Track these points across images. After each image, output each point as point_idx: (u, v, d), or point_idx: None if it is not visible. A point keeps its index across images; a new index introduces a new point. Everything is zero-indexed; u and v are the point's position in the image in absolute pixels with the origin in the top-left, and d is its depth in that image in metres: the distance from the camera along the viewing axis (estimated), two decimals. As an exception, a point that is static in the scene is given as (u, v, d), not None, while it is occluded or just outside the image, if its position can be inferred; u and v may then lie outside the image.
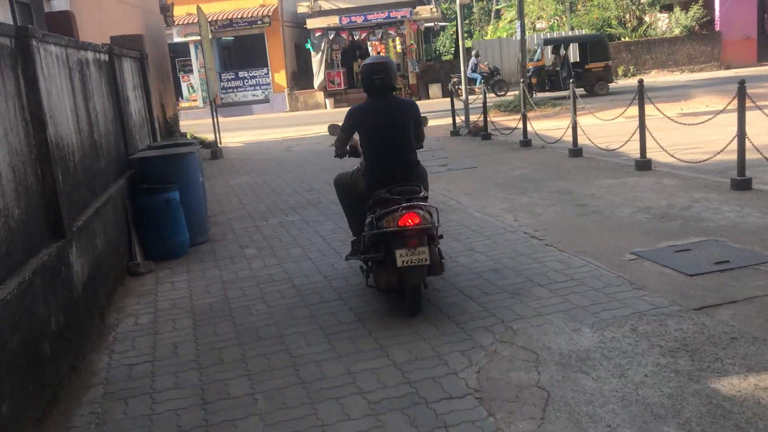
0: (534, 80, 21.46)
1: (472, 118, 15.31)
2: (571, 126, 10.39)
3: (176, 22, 27.57)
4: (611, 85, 21.86)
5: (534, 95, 21.19)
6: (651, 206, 6.96)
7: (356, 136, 5.30)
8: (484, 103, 13.69)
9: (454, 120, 15.21)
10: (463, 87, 15.35)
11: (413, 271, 4.51)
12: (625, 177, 8.52)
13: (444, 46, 46.04)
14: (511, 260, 5.61)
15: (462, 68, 15.32)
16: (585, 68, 21.69)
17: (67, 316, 4.20)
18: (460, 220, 7.08)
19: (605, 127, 11.17)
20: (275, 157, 14.13)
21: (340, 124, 5.32)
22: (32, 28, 4.28)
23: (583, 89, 20.98)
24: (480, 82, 23.63)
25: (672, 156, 8.69)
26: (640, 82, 8.85)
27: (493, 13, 49.30)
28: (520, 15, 18.81)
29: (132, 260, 6.44)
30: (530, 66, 21.90)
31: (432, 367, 3.87)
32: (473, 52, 25.51)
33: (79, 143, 5.40)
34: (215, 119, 15.86)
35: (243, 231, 7.66)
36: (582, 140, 10.40)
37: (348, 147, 5.41)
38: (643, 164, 8.80)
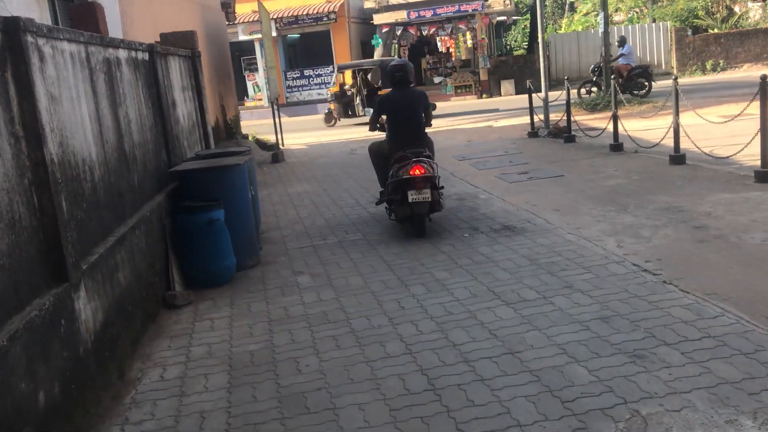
0: (333, 106, 21.35)
1: (552, 117, 14.06)
2: (672, 128, 9.06)
3: (241, 20, 27.13)
4: None
5: (337, 121, 21.26)
6: (789, 230, 5.69)
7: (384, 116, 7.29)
8: (568, 101, 12.41)
9: (532, 119, 13.96)
10: (543, 81, 14.05)
11: (419, 205, 6.56)
12: (744, 191, 7.21)
13: (516, 41, 44.44)
14: (623, 304, 4.48)
15: (542, 63, 14.04)
16: (378, 94, 20.15)
17: (65, 384, 3.33)
18: (551, 245, 5.96)
19: (705, 128, 9.74)
20: (338, 162, 13.23)
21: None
22: (26, 20, 3.43)
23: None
24: None
25: (799, 164, 7.34)
26: (763, 78, 7.45)
27: (567, 6, 47.43)
28: (604, 6, 17.43)
29: (169, 290, 5.59)
30: (330, 92, 21.92)
31: (535, 477, 2.82)
32: None
33: (101, 158, 4.57)
34: (277, 121, 15.09)
35: (297, 252, 6.74)
36: (683, 143, 9.07)
37: (378, 123, 7.44)
38: (766, 175, 7.46)
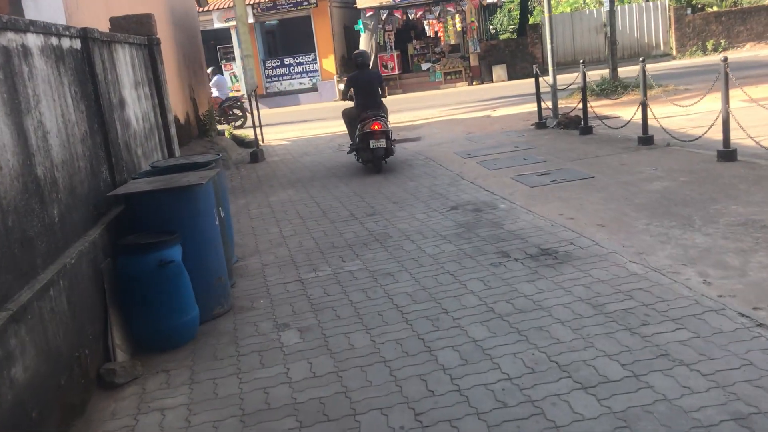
0: None
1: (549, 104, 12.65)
2: (721, 116, 7.68)
3: (216, 7, 25.50)
4: None
5: None
6: None
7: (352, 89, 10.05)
8: (584, 86, 10.99)
9: (539, 108, 12.51)
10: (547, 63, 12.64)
11: (378, 150, 9.41)
12: (832, 196, 5.85)
13: (501, 25, 42.98)
14: (757, 390, 3.08)
15: (549, 44, 12.61)
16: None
17: None
18: (613, 281, 4.55)
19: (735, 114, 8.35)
20: (325, 160, 11.75)
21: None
22: None
23: None
24: None
25: None
26: None
27: (553, -14, 46.01)
28: (609, -19, 15.92)
29: (108, 361, 4.13)
30: None
31: None
32: None
33: (-12, 193, 3.10)
34: (254, 114, 13.59)
35: (281, 290, 5.29)
36: (716, 133, 7.76)
37: (348, 95, 10.02)
38: None
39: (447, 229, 6.34)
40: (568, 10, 35.04)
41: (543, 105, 12.54)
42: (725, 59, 7.51)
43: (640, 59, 9.35)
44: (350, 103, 10.30)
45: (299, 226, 7.25)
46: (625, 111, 12.53)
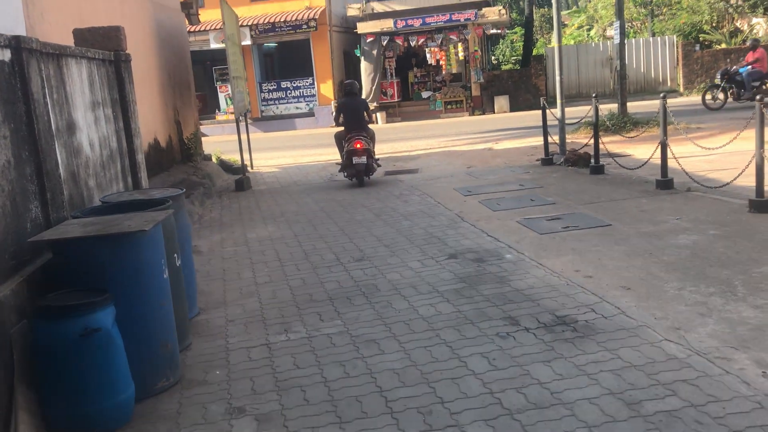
0: None
1: (555, 139, 11.86)
2: (755, 160, 6.85)
3: (213, 27, 24.85)
4: None
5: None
6: None
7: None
8: (596, 122, 10.21)
9: (546, 144, 11.72)
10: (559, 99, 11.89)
11: (360, 165, 10.77)
12: None
13: (504, 56, 42.54)
14: None
15: (557, 76, 11.88)
16: None
17: None
18: (647, 367, 3.67)
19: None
20: (314, 191, 10.92)
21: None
22: None
23: None
24: None
25: None
26: None
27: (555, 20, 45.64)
28: (620, 14, 15.28)
29: (6, 456, 3.24)
30: None
31: None
32: None
33: None
34: (243, 140, 12.77)
35: (243, 359, 4.40)
36: (728, 175, 6.94)
37: (339, 120, 11.34)
38: None
39: (444, 283, 5.47)
40: (572, 42, 34.60)
41: (549, 140, 11.78)
42: (762, 98, 6.70)
43: (661, 95, 8.54)
44: (343, 128, 11.39)
45: (276, 271, 6.38)
46: (636, 149, 11.79)
